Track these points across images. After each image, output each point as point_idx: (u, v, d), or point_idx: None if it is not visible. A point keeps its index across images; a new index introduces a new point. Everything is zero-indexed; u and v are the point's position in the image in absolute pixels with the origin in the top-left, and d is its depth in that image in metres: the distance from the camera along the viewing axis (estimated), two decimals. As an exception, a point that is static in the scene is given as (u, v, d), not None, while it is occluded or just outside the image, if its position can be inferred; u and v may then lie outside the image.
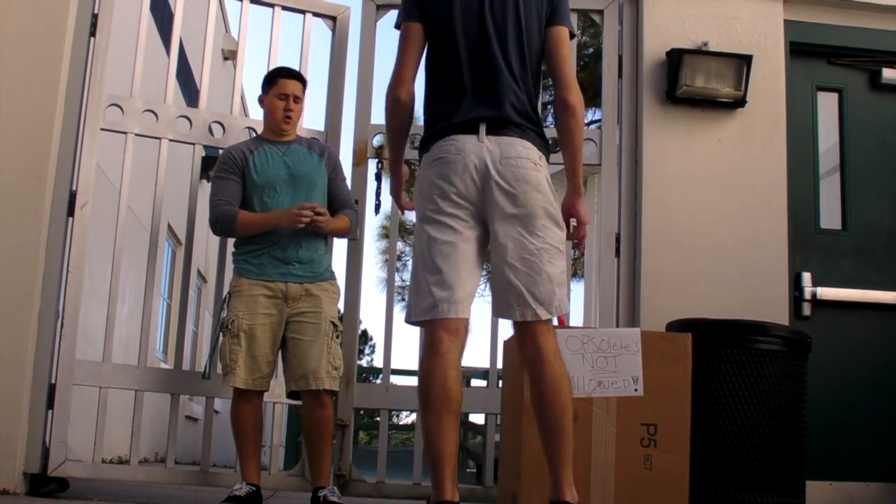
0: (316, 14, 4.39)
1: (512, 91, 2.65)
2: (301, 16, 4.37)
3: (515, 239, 2.55)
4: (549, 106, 12.83)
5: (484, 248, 2.65)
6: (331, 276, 3.80)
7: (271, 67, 4.29)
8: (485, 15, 2.67)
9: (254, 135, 4.12)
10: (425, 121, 2.73)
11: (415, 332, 4.43)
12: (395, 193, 3.04)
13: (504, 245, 2.56)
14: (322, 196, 3.83)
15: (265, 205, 3.71)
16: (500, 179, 2.55)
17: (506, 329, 4.32)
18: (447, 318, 2.51)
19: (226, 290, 3.79)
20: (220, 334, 3.70)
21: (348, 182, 4.30)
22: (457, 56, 2.66)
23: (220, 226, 3.74)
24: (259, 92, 3.91)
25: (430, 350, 2.51)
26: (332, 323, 3.69)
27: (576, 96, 2.69)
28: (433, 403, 2.46)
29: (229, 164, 3.76)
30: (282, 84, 3.81)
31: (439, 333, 2.51)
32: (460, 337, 2.53)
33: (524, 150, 2.60)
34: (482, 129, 2.59)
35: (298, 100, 3.84)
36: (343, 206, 3.90)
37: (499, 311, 2.63)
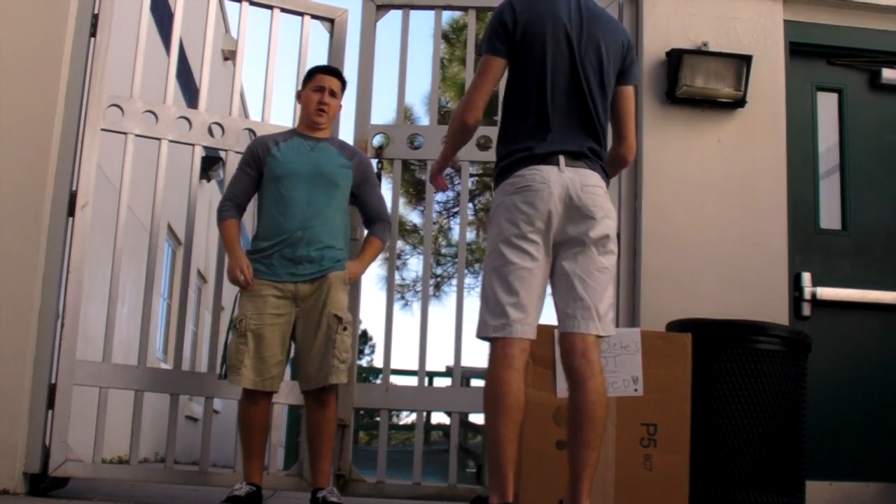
0: (314, 16, 4.40)
1: (592, 131, 2.85)
2: (299, 18, 4.37)
3: (588, 257, 2.75)
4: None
5: (549, 272, 2.82)
6: (339, 267, 3.73)
7: (270, 69, 4.30)
8: (576, 60, 2.84)
9: (253, 136, 4.12)
10: (506, 150, 2.87)
11: (413, 333, 4.47)
12: (438, 168, 3.19)
13: (577, 260, 2.76)
14: (343, 199, 3.80)
15: (281, 197, 3.68)
16: (580, 205, 2.74)
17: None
18: (520, 338, 2.69)
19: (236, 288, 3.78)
20: (229, 333, 3.70)
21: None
22: (544, 95, 2.83)
23: (217, 218, 3.82)
24: (258, 92, 3.93)
25: (505, 363, 2.67)
26: (337, 316, 3.63)
27: (632, 155, 3.02)
28: (509, 413, 2.62)
29: (248, 156, 3.80)
30: (319, 78, 3.82)
31: (513, 350, 2.68)
32: (526, 356, 2.72)
33: (598, 180, 2.82)
34: (562, 160, 2.77)
35: (335, 95, 3.83)
36: (374, 216, 3.91)
37: (562, 321, 2.77)
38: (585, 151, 2.81)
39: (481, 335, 2.78)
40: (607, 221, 2.77)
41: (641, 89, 4.21)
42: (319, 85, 3.80)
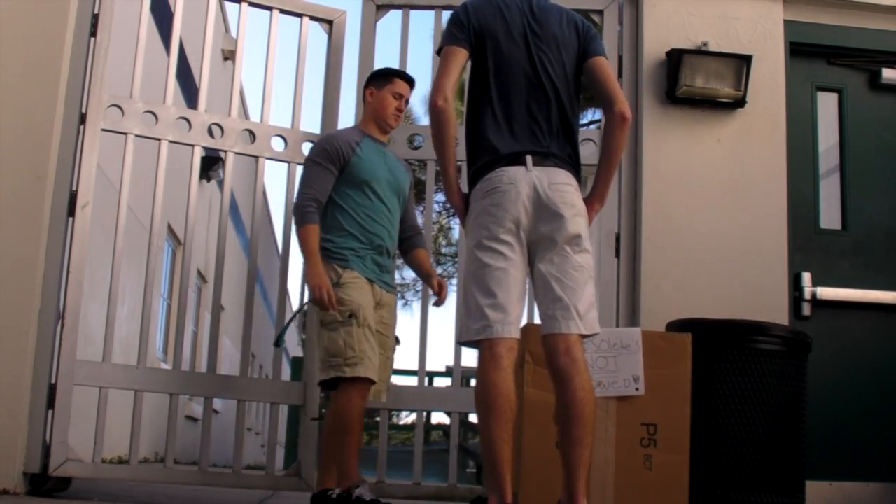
0: (313, 18, 4.40)
1: (558, 128, 2.84)
2: (298, 19, 4.37)
3: (563, 256, 2.74)
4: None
5: (527, 271, 2.81)
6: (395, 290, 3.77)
7: (269, 70, 4.29)
8: (533, 58, 2.85)
9: (253, 137, 4.12)
10: (473, 155, 2.87)
11: (413, 333, 4.46)
12: (452, 193, 2.95)
13: (552, 261, 2.74)
14: (399, 211, 3.77)
15: (370, 202, 3.61)
16: (549, 203, 2.73)
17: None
18: (503, 338, 2.68)
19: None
20: (341, 322, 3.44)
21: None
22: (505, 95, 2.83)
23: (296, 219, 3.59)
24: (257, 92, 3.92)
25: (493, 364, 2.66)
26: (397, 337, 3.68)
27: (629, 111, 2.89)
28: (501, 414, 2.62)
29: (333, 154, 3.60)
30: (400, 85, 3.75)
31: (500, 350, 2.68)
32: (514, 355, 2.70)
33: (567, 178, 2.80)
34: (529, 160, 2.76)
35: (406, 104, 3.79)
36: (414, 229, 3.88)
37: (544, 322, 2.75)
38: (553, 150, 2.81)
39: (463, 339, 2.79)
40: (578, 219, 2.76)
41: (641, 89, 4.22)
42: (399, 92, 3.74)
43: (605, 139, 2.91)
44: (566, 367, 2.67)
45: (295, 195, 3.69)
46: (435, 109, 2.82)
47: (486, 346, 2.69)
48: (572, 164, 2.85)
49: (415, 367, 4.37)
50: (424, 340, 4.29)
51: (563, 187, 2.75)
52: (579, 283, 2.72)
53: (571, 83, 2.91)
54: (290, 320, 3.93)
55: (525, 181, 2.73)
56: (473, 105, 2.90)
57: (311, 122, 5.63)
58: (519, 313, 2.74)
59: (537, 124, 2.82)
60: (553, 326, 2.71)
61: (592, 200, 2.93)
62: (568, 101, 2.88)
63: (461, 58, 2.86)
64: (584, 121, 11.81)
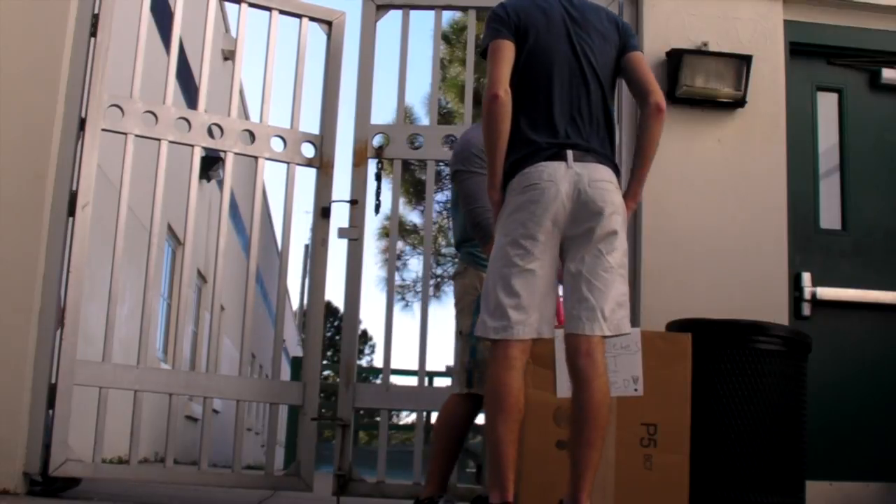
0: (312, 18, 4.40)
1: (599, 123, 2.83)
2: (298, 20, 4.37)
3: (595, 256, 2.71)
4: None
5: (558, 269, 2.78)
6: None
7: (269, 71, 4.30)
8: (577, 52, 2.83)
9: (252, 138, 4.12)
10: (510, 143, 2.80)
11: (413, 333, 4.47)
12: (494, 188, 2.86)
13: (583, 260, 2.71)
14: None
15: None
16: (588, 200, 2.70)
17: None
18: (522, 339, 2.68)
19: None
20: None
21: (348, 182, 4.32)
22: (548, 89, 2.80)
23: (482, 235, 3.50)
24: (257, 92, 3.91)
25: (505, 364, 2.67)
26: None
27: (664, 102, 2.88)
28: (509, 414, 2.63)
29: (482, 158, 3.48)
30: None
31: (514, 351, 2.68)
32: (526, 356, 2.72)
33: (607, 175, 2.77)
34: (570, 155, 2.73)
35: None
36: None
37: (568, 322, 2.74)
38: (594, 145, 2.78)
39: (480, 335, 2.77)
40: (616, 217, 2.72)
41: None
42: None
43: (641, 132, 2.89)
44: (585, 369, 2.67)
45: (466, 211, 3.53)
46: (497, 100, 2.75)
47: (500, 347, 2.68)
48: (612, 159, 2.83)
49: (415, 367, 4.37)
50: (424, 340, 4.29)
51: (603, 185, 2.72)
52: (608, 284, 2.70)
53: (612, 76, 2.90)
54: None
55: (566, 178, 2.70)
56: (514, 96, 2.82)
57: (310, 123, 5.68)
58: (545, 313, 2.72)
59: (580, 115, 2.80)
60: (577, 326, 2.70)
61: (627, 198, 2.88)
62: (609, 93, 2.87)
63: (509, 50, 2.81)
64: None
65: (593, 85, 2.83)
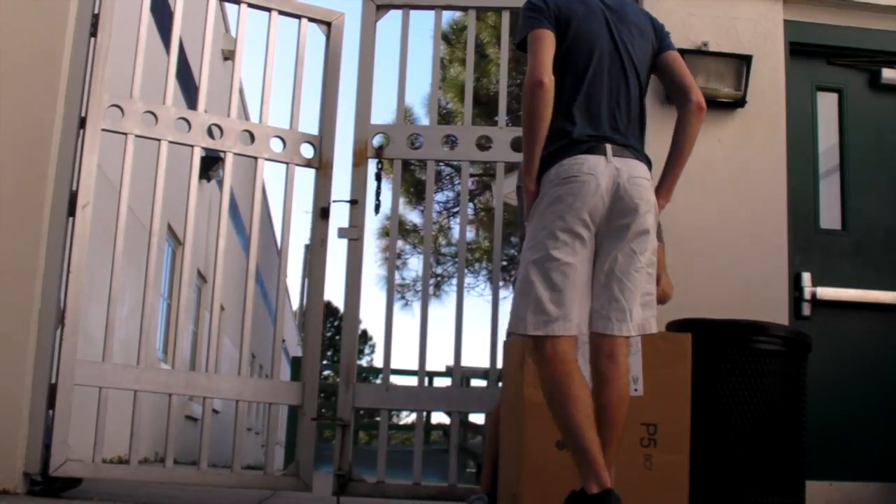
0: (311, 19, 4.40)
1: (637, 118, 2.80)
2: (297, 20, 4.37)
3: (627, 255, 2.67)
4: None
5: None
6: None
7: (268, 71, 4.29)
8: (617, 45, 2.79)
9: (252, 138, 4.11)
10: (549, 139, 2.74)
11: (413, 333, 4.47)
12: (530, 176, 2.81)
13: (616, 259, 2.67)
14: None
15: None
16: (625, 197, 2.66)
17: (506, 330, 4.32)
18: (565, 335, 2.63)
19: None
20: None
21: (347, 182, 4.32)
22: (589, 81, 2.75)
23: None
24: (257, 92, 3.91)
25: (559, 359, 2.61)
26: None
27: (703, 100, 2.85)
28: (579, 400, 2.56)
29: None
30: None
31: (563, 346, 2.63)
32: (575, 350, 2.65)
33: (644, 171, 2.73)
34: (609, 149, 2.69)
35: None
36: None
37: (594, 320, 2.70)
38: (630, 139, 2.74)
39: (517, 331, 2.69)
40: (650, 216, 2.69)
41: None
42: None
43: (679, 131, 2.85)
44: (606, 370, 2.64)
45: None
46: (542, 87, 2.67)
47: (548, 343, 2.62)
48: (646, 155, 2.80)
49: (415, 367, 4.37)
50: (424, 340, 4.29)
51: (640, 181, 2.69)
52: (638, 285, 2.67)
53: (648, 73, 2.86)
54: None
55: (605, 173, 2.65)
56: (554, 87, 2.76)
57: (310, 124, 5.67)
58: (580, 311, 2.66)
59: (619, 109, 2.76)
60: (604, 326, 2.66)
61: (660, 196, 2.83)
62: (645, 89, 2.83)
63: (549, 38, 2.75)
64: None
65: (632, 79, 2.79)
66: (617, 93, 2.77)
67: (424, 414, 4.54)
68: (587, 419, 2.54)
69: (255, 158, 4.27)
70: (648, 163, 2.79)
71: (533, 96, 2.70)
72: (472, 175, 11.80)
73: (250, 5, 4.31)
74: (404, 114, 4.92)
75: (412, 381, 4.88)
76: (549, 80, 2.69)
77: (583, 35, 2.78)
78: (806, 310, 4.22)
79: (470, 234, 13.77)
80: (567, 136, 2.71)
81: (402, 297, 13.99)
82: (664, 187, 2.88)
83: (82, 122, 3.88)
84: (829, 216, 4.41)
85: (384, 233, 13.68)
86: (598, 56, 2.77)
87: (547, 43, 2.74)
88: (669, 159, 2.88)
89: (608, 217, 2.66)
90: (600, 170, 2.65)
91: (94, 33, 3.92)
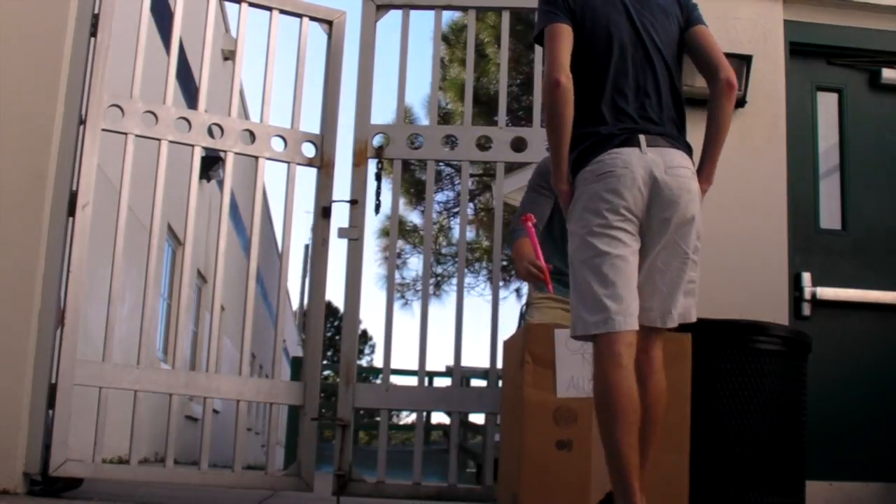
0: (312, 18, 4.40)
1: (670, 104, 2.72)
2: (298, 19, 4.37)
3: (672, 246, 2.63)
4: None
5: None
6: None
7: (269, 71, 4.29)
8: (638, 29, 2.72)
9: (252, 138, 4.11)
10: (580, 135, 2.69)
11: (413, 333, 4.47)
12: (559, 179, 2.74)
13: (660, 253, 2.63)
14: None
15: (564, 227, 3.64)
16: (665, 188, 2.60)
17: (506, 330, 4.32)
18: (624, 332, 2.54)
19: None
20: None
21: (347, 182, 4.32)
22: (615, 70, 2.68)
23: (508, 239, 3.67)
24: (257, 92, 3.91)
25: (613, 363, 2.52)
26: None
27: (734, 77, 2.75)
28: (625, 416, 2.48)
29: (547, 182, 3.49)
30: None
31: (619, 347, 2.53)
32: (633, 349, 2.56)
33: (684, 160, 2.66)
34: (642, 141, 2.63)
35: None
36: None
37: (640, 315, 2.63)
38: (665, 126, 2.68)
39: (580, 333, 2.62)
40: (693, 204, 2.63)
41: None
42: None
43: (712, 112, 2.77)
44: (642, 365, 2.61)
45: None
46: (558, 87, 2.61)
47: (603, 343, 2.54)
48: (685, 141, 2.73)
49: (415, 367, 4.37)
50: (424, 340, 4.29)
51: (680, 171, 2.62)
52: (681, 275, 2.64)
53: (677, 53, 2.78)
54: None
55: (640, 165, 2.58)
56: (577, 82, 2.68)
57: (311, 123, 5.68)
58: (637, 304, 2.60)
59: (647, 97, 2.69)
60: (647, 319, 2.62)
61: (701, 181, 2.75)
62: (676, 71, 2.75)
63: (567, 33, 2.68)
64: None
65: (659, 64, 2.71)
66: (644, 81, 2.70)
67: (424, 414, 4.54)
68: (630, 437, 2.48)
69: (256, 158, 4.27)
70: (688, 149, 2.71)
71: (552, 97, 2.64)
72: (472, 175, 11.80)
73: (251, 4, 4.31)
74: (404, 114, 4.92)
75: (412, 381, 4.88)
76: (566, 78, 2.63)
77: (601, 25, 2.71)
78: (806, 310, 4.22)
79: (470, 234, 13.77)
80: (598, 131, 2.65)
81: (402, 297, 14.00)
82: (704, 171, 2.79)
83: (82, 122, 3.88)
84: (829, 216, 4.41)
85: (384, 233, 13.69)
86: (620, 45, 2.70)
87: (563, 39, 2.68)
88: (706, 141, 2.80)
89: (649, 209, 2.60)
90: (635, 162, 2.59)
91: (94, 33, 3.92)
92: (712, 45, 2.79)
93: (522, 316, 3.84)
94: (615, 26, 2.71)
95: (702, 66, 2.81)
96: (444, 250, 14.22)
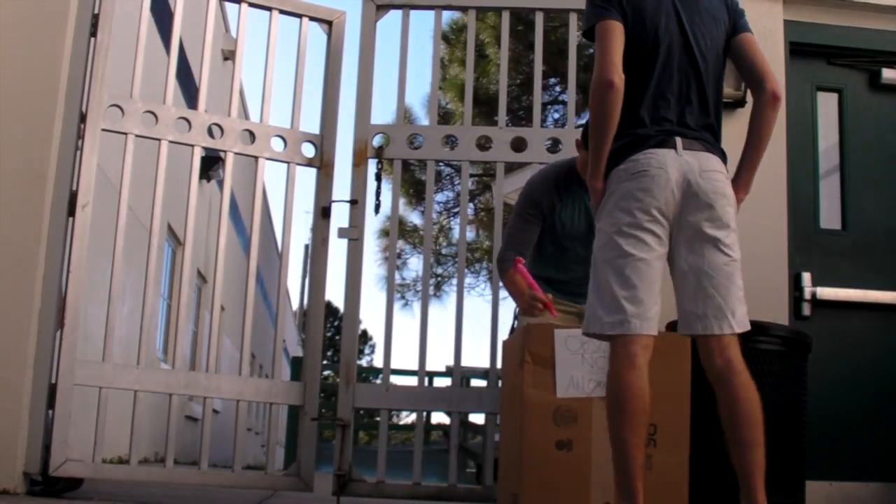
0: (312, 18, 4.40)
1: (709, 112, 2.71)
2: (298, 20, 4.37)
3: (713, 252, 2.60)
4: (549, 107, 12.84)
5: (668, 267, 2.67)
6: None
7: (269, 71, 4.29)
8: (686, 33, 2.70)
9: (252, 138, 4.10)
10: (617, 133, 2.66)
11: (413, 333, 4.47)
12: (595, 178, 2.71)
13: (703, 257, 2.59)
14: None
15: (561, 247, 3.65)
16: (699, 192, 2.58)
17: (506, 330, 4.32)
18: (641, 335, 2.55)
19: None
20: None
21: (347, 182, 4.32)
22: (658, 72, 2.67)
23: (498, 270, 3.71)
24: (257, 92, 3.90)
25: (627, 363, 2.54)
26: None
27: (780, 90, 2.74)
28: (635, 416, 2.49)
29: (535, 206, 3.60)
30: None
31: (635, 348, 2.54)
32: (649, 353, 2.57)
33: (718, 165, 2.65)
34: (679, 143, 2.62)
35: None
36: None
37: (691, 323, 2.63)
38: (702, 133, 2.67)
39: (595, 331, 2.63)
40: (729, 209, 2.62)
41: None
42: None
43: (754, 121, 2.75)
44: (723, 371, 2.58)
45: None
46: (611, 87, 2.57)
47: (619, 343, 2.55)
48: (720, 147, 2.71)
49: (415, 367, 4.37)
50: (424, 340, 4.29)
51: (714, 175, 2.60)
52: (731, 279, 2.60)
53: (722, 60, 2.76)
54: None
55: (675, 166, 2.57)
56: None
57: (311, 123, 5.68)
58: (658, 309, 2.60)
59: (689, 104, 2.67)
60: (705, 327, 2.59)
61: (738, 189, 2.74)
62: (718, 78, 2.74)
63: (619, 31, 2.64)
64: (584, 121, 11.80)
65: (703, 71, 2.69)
66: (687, 87, 2.68)
67: (424, 414, 4.54)
68: (638, 438, 2.49)
69: (256, 158, 4.27)
70: (723, 156, 2.70)
71: (603, 97, 2.61)
72: (472, 175, 11.80)
73: (251, 4, 4.31)
74: (404, 114, 4.92)
75: (412, 381, 4.88)
76: (619, 79, 2.59)
77: (651, 27, 2.68)
78: (806, 310, 4.22)
79: (470, 235, 13.77)
80: (635, 131, 2.64)
81: (402, 298, 13.99)
82: (742, 180, 2.78)
83: (82, 122, 3.88)
84: (829, 216, 4.41)
85: (384, 233, 13.68)
86: (668, 49, 2.68)
87: (617, 37, 2.64)
88: (746, 150, 2.78)
89: (682, 213, 2.59)
90: (670, 163, 2.58)
91: (94, 33, 3.92)
92: (758, 55, 2.77)
93: (516, 317, 3.85)
94: (664, 30, 2.69)
95: (747, 74, 2.80)
96: (444, 251, 14.22)
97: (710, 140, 2.68)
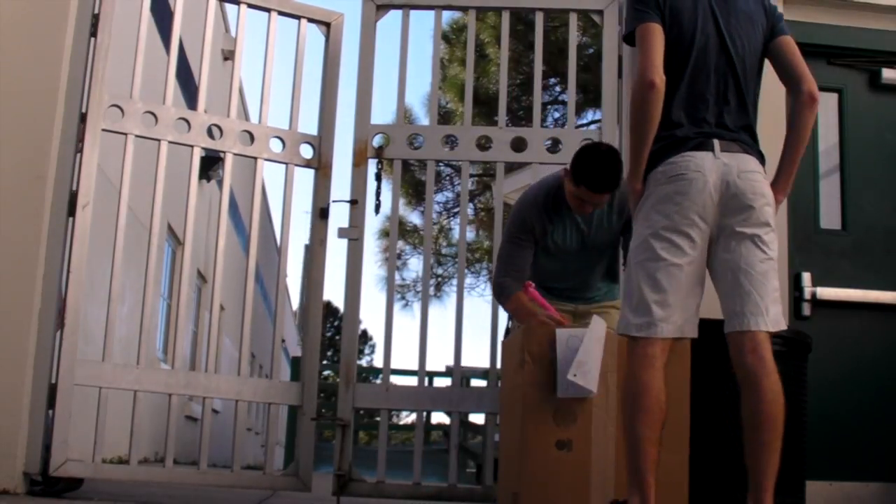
0: (310, 20, 4.40)
1: (746, 113, 2.73)
2: (296, 21, 4.37)
3: (750, 249, 2.62)
4: (549, 107, 12.83)
5: (704, 266, 2.69)
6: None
7: (268, 72, 4.29)
8: (724, 35, 2.72)
9: (252, 138, 4.10)
10: (654, 136, 2.69)
11: (413, 333, 4.47)
12: (634, 177, 2.75)
13: (740, 254, 2.62)
14: (610, 255, 3.75)
15: (556, 260, 3.67)
16: (738, 192, 2.61)
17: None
18: (664, 338, 2.59)
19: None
20: None
21: (347, 182, 4.32)
22: (694, 74, 2.70)
23: (496, 295, 3.71)
24: (257, 92, 3.90)
25: (647, 363, 2.59)
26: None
27: (817, 91, 2.76)
28: (651, 413, 2.55)
29: (527, 231, 3.61)
30: (587, 194, 3.38)
31: (655, 350, 2.60)
32: (667, 354, 2.63)
33: (756, 165, 2.67)
34: (716, 145, 2.64)
35: (600, 204, 3.49)
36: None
37: (729, 319, 2.65)
38: (740, 134, 2.69)
39: (622, 332, 2.68)
40: (767, 209, 2.63)
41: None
42: (586, 200, 3.41)
43: (792, 122, 2.77)
44: (753, 368, 2.60)
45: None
46: (653, 88, 2.60)
47: (641, 344, 2.60)
48: (758, 148, 2.73)
49: (415, 367, 4.37)
50: (424, 340, 4.29)
51: (752, 175, 2.63)
52: (768, 277, 2.62)
53: (759, 62, 2.78)
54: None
55: (713, 169, 2.60)
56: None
57: (309, 124, 5.69)
58: (685, 313, 2.63)
59: (726, 104, 2.70)
60: (740, 323, 2.61)
61: (776, 190, 2.75)
62: (756, 80, 2.76)
63: (660, 33, 2.68)
64: (584, 121, 11.81)
65: (740, 72, 2.72)
66: (724, 88, 2.71)
67: (424, 414, 4.54)
68: (652, 434, 2.55)
69: (255, 159, 4.27)
70: (761, 157, 2.72)
71: (644, 98, 2.63)
72: (472, 175, 11.80)
73: (250, 6, 4.31)
74: (404, 114, 4.92)
75: (412, 381, 4.88)
76: (660, 80, 2.62)
77: (688, 29, 2.71)
78: (806, 310, 4.22)
79: (470, 235, 13.77)
80: (673, 133, 2.66)
81: (403, 298, 13.98)
82: (780, 181, 2.79)
83: (82, 122, 3.87)
84: (829, 216, 4.41)
85: (384, 233, 13.68)
86: (704, 51, 2.71)
87: (657, 39, 2.67)
88: (785, 151, 2.79)
89: (722, 214, 2.61)
90: (708, 166, 2.60)
91: (94, 33, 3.92)
92: (797, 56, 2.80)
93: (510, 318, 3.85)
94: (702, 32, 2.72)
95: (785, 76, 2.82)
96: (444, 251, 14.22)
97: (748, 141, 2.70)
